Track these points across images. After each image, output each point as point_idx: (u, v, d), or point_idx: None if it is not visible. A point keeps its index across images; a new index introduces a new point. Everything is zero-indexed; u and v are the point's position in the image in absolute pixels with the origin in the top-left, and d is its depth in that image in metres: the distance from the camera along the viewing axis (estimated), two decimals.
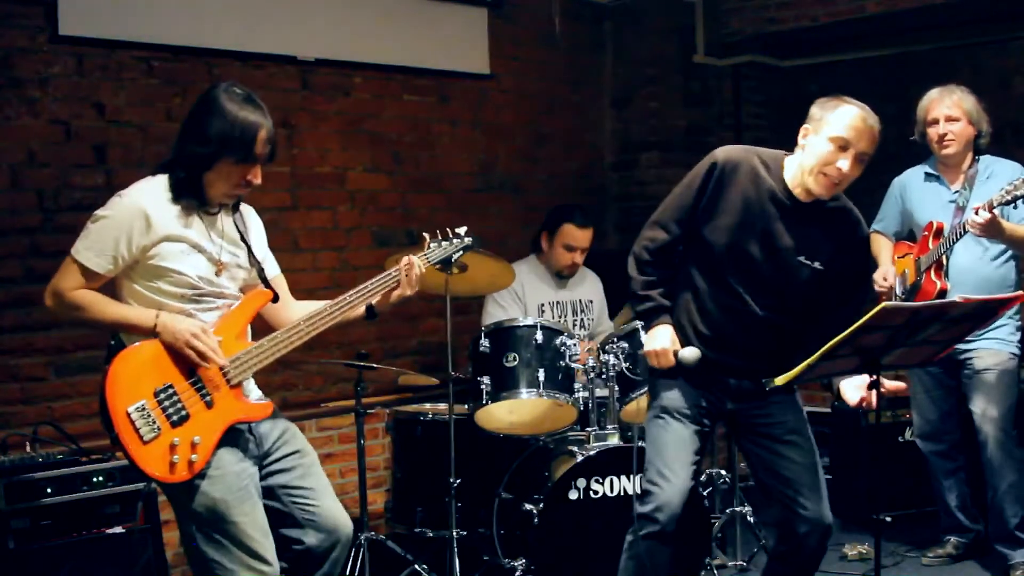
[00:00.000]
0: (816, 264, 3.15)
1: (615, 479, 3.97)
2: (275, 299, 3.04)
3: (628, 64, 6.20)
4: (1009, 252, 4.15)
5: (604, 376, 4.10)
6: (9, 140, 4.02)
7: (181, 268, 2.84)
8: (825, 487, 3.25)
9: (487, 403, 4.08)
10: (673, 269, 3.30)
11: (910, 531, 4.73)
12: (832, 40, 5.87)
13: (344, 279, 4.75)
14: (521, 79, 5.73)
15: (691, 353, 3.16)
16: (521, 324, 4.16)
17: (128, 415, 2.72)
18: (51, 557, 3.52)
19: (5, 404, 3.99)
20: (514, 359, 4.09)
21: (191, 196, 2.86)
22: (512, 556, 4.04)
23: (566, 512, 3.92)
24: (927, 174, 4.33)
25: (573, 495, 3.94)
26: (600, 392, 4.17)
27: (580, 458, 3.95)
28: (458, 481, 3.90)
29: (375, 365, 4.12)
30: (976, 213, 3.77)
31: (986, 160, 4.20)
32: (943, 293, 4.09)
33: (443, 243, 3.39)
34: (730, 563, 4.47)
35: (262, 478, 2.98)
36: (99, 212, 2.84)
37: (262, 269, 3.06)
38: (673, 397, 3.25)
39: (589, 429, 4.14)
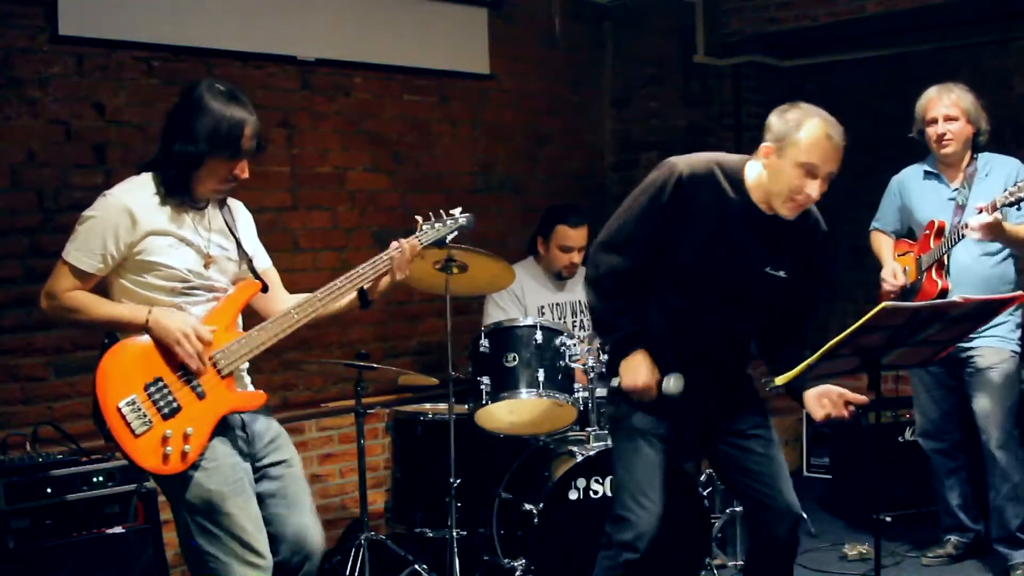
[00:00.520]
0: (781, 273, 3.12)
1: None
2: (264, 289, 3.07)
3: (628, 64, 6.20)
4: (1008, 250, 4.16)
5: (604, 376, 4.09)
6: (9, 140, 4.02)
7: (169, 262, 2.87)
8: (790, 478, 3.24)
9: (487, 403, 4.08)
10: (639, 290, 3.15)
11: (910, 531, 4.73)
12: (832, 40, 5.87)
13: None
14: (521, 79, 5.73)
15: (676, 383, 3.06)
16: (521, 324, 4.16)
17: (119, 410, 2.76)
18: (51, 557, 3.52)
19: (5, 404, 4.00)
20: (514, 359, 4.09)
21: (180, 193, 2.90)
22: (512, 556, 4.04)
23: (566, 512, 3.92)
24: (926, 172, 4.33)
25: (573, 495, 3.94)
26: (600, 392, 4.17)
27: (580, 458, 3.95)
28: (458, 481, 3.90)
29: (375, 365, 4.12)
30: (980, 212, 3.77)
31: (984, 157, 4.21)
32: (944, 292, 4.09)
33: (436, 224, 3.35)
34: (730, 563, 4.47)
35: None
36: (85, 213, 2.87)
37: (251, 261, 3.08)
38: (643, 421, 3.18)
39: (589, 429, 4.14)
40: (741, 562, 4.46)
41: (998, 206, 3.75)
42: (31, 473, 3.55)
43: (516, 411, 4.18)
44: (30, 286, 3.97)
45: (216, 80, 2.98)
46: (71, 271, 2.83)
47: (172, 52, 4.40)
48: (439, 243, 3.37)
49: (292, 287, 3.47)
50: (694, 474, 4.27)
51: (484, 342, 4.13)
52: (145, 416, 2.78)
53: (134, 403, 2.78)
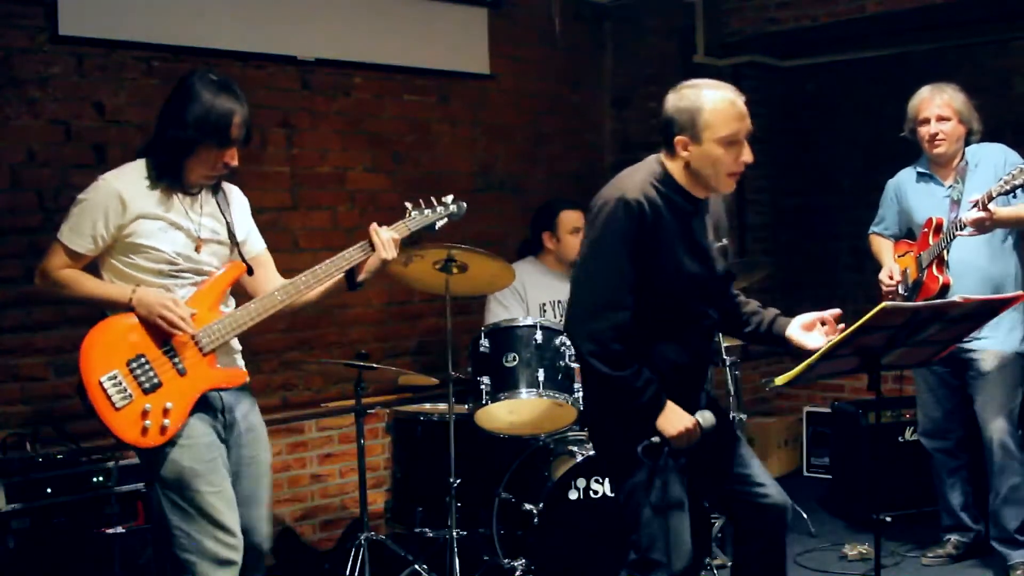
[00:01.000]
0: (724, 241, 3.09)
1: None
2: (250, 272, 3.16)
3: (628, 64, 6.20)
4: (1011, 243, 4.16)
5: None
6: (9, 140, 4.02)
7: (158, 245, 2.96)
8: None
9: (487, 403, 4.08)
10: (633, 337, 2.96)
11: (910, 531, 4.73)
12: (832, 40, 5.87)
13: None
14: (521, 79, 5.73)
15: (710, 418, 2.95)
16: (521, 324, 4.16)
17: (100, 384, 2.86)
18: (51, 557, 3.52)
19: (5, 404, 3.99)
20: (514, 359, 4.09)
21: (171, 178, 2.99)
22: (512, 556, 4.04)
23: (566, 512, 3.92)
24: (919, 173, 4.33)
25: (573, 495, 3.94)
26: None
27: (580, 458, 3.95)
28: (458, 481, 3.90)
29: (375, 365, 4.12)
30: (972, 208, 3.78)
31: (971, 150, 4.21)
32: (945, 288, 4.09)
33: (426, 211, 3.38)
34: (730, 563, 4.47)
35: None
36: (79, 196, 2.98)
37: (240, 245, 3.16)
38: (667, 475, 2.98)
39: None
40: None
41: (993, 196, 3.75)
42: (31, 473, 3.55)
43: (516, 411, 4.18)
44: (30, 286, 3.94)
45: (209, 70, 3.09)
46: (63, 250, 2.95)
47: (172, 52, 4.40)
48: (428, 229, 3.38)
49: None
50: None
51: (484, 342, 4.13)
52: (126, 390, 2.87)
53: (116, 378, 2.87)
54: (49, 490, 3.57)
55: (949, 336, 3.04)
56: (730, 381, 4.75)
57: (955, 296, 3.13)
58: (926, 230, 4.23)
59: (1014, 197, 3.83)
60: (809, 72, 6.07)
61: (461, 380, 4.16)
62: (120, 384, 2.87)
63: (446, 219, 3.41)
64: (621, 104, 6.24)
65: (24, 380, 4.05)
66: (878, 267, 4.44)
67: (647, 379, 2.90)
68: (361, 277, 3.24)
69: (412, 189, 5.20)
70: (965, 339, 3.65)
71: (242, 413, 3.14)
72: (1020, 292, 3.11)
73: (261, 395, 4.61)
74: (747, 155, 2.94)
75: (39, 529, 3.53)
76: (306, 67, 4.84)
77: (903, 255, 4.37)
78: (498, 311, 4.57)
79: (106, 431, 2.91)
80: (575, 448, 4.08)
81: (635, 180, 3.00)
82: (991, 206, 3.77)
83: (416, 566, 4.17)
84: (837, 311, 3.03)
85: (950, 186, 4.21)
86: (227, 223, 3.12)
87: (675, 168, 3.02)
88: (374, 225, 3.22)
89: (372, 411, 4.58)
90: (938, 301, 3.30)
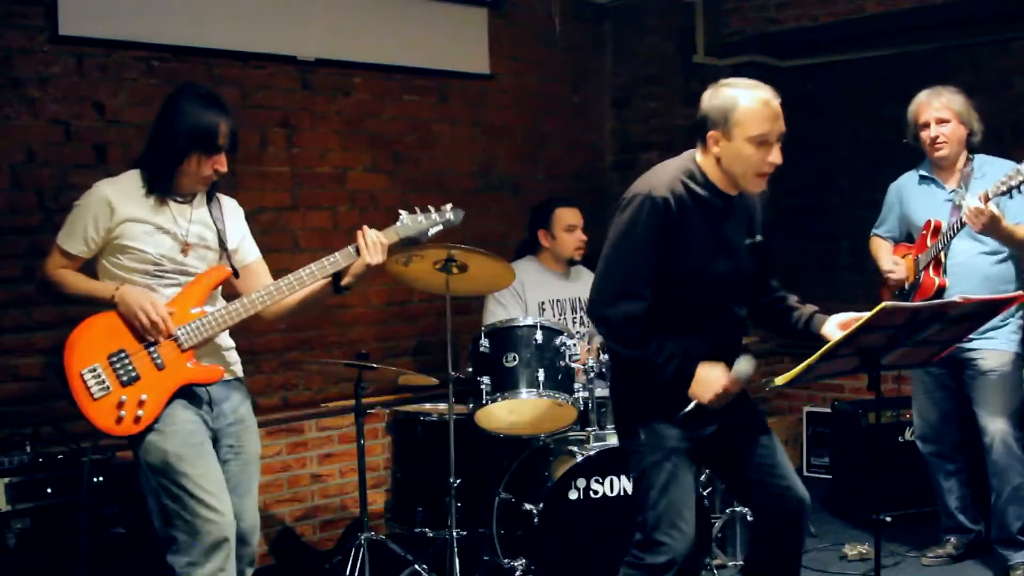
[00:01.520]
0: (758, 238, 3.11)
1: (615, 479, 3.97)
2: (235, 275, 3.30)
3: (628, 64, 6.20)
4: (1008, 248, 4.16)
5: (604, 376, 4.10)
6: (9, 140, 4.02)
7: (143, 247, 3.13)
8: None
9: (487, 403, 4.08)
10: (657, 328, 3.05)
11: (910, 531, 4.73)
12: (832, 40, 5.87)
13: None
14: (521, 79, 5.73)
15: (747, 364, 2.96)
16: (521, 324, 4.17)
17: (81, 376, 3.05)
18: (51, 557, 3.52)
19: (5, 404, 4.00)
20: (514, 359, 4.09)
21: (162, 187, 3.17)
22: (512, 556, 4.04)
23: (566, 512, 3.92)
24: (921, 177, 4.33)
25: (573, 495, 3.94)
26: (600, 392, 4.17)
27: (580, 458, 3.95)
28: (458, 481, 3.90)
29: (375, 365, 4.12)
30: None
31: (980, 159, 4.21)
32: (942, 290, 4.09)
33: (420, 217, 3.42)
34: (730, 563, 4.47)
35: None
36: (75, 202, 3.18)
37: (230, 252, 3.30)
38: (674, 437, 3.07)
39: (589, 429, 4.15)
40: (741, 562, 4.46)
41: (991, 196, 3.76)
42: (31, 473, 3.56)
43: (516, 411, 4.18)
44: (30, 286, 3.96)
45: (196, 85, 3.32)
46: (59, 252, 3.16)
47: (172, 52, 4.40)
48: (421, 235, 3.41)
49: None
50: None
51: (484, 342, 4.14)
52: (104, 382, 3.06)
53: (95, 370, 3.06)
54: (49, 490, 3.57)
55: (949, 336, 3.04)
56: None
57: (955, 296, 3.13)
58: (924, 232, 4.23)
59: (1010, 198, 3.83)
60: (809, 72, 6.07)
61: (461, 380, 4.16)
62: (99, 376, 3.06)
63: (441, 226, 3.44)
64: (621, 104, 6.24)
65: (24, 380, 4.05)
66: (877, 268, 4.44)
67: (669, 354, 2.98)
68: (346, 281, 3.33)
69: (412, 189, 5.22)
70: (965, 338, 3.65)
71: (231, 406, 3.29)
72: (1020, 292, 3.10)
73: (261, 395, 4.64)
74: (776, 156, 2.98)
75: (39, 529, 3.53)
76: (306, 67, 4.84)
77: (902, 257, 4.37)
78: (497, 311, 4.57)
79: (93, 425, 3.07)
80: (575, 448, 4.08)
81: (665, 176, 3.05)
82: (990, 205, 3.77)
83: (416, 566, 4.17)
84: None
85: (952, 190, 4.21)
86: (217, 230, 3.27)
87: (707, 164, 3.06)
88: (364, 228, 3.29)
89: (372, 411, 4.58)
90: (938, 301, 3.31)
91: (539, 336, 4.10)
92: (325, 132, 4.94)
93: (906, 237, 4.42)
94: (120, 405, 3.06)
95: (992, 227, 3.84)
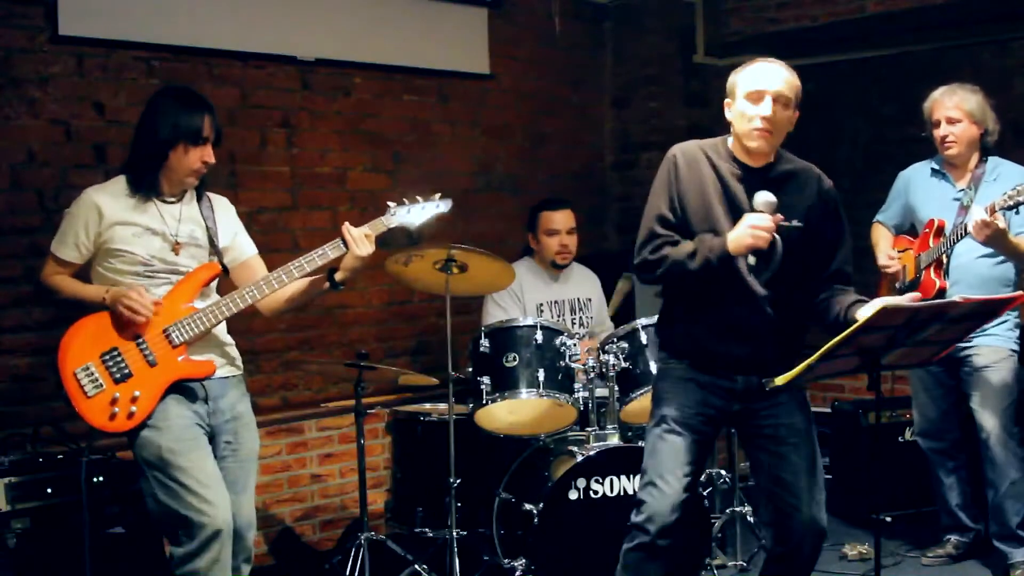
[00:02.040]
0: (795, 222, 3.14)
1: (615, 479, 3.97)
2: (225, 273, 3.34)
3: (628, 64, 6.20)
4: None
5: (604, 376, 4.10)
6: (9, 140, 4.02)
7: (132, 248, 3.18)
8: (823, 492, 3.21)
9: (487, 403, 4.08)
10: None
11: (910, 531, 4.73)
12: (832, 40, 5.86)
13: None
14: (521, 79, 5.73)
15: (763, 198, 3.03)
16: (521, 324, 4.16)
17: (75, 375, 3.10)
18: (51, 557, 3.52)
19: (5, 404, 4.00)
20: (514, 359, 4.09)
21: (147, 187, 3.22)
22: (512, 556, 4.04)
23: (566, 512, 3.92)
24: (933, 170, 4.33)
25: (573, 495, 3.94)
26: (600, 392, 4.17)
27: (580, 458, 3.95)
28: (458, 481, 3.90)
29: (375, 365, 4.12)
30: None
31: (994, 161, 4.20)
32: (942, 292, 4.09)
33: (408, 207, 3.46)
34: (730, 563, 4.47)
35: None
36: (67, 210, 3.25)
37: (220, 250, 3.34)
38: (675, 404, 3.21)
39: (589, 429, 4.14)
40: (741, 562, 4.47)
41: (996, 209, 3.75)
42: (31, 473, 3.56)
43: (516, 411, 4.18)
44: (30, 286, 3.97)
45: (174, 85, 3.41)
46: (53, 259, 3.23)
47: (172, 52, 4.40)
48: (408, 225, 3.45)
49: None
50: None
51: (484, 342, 4.13)
52: (98, 380, 3.11)
53: (88, 369, 3.11)
54: (49, 490, 3.57)
55: (949, 336, 3.03)
56: None
57: (955, 296, 3.13)
58: (927, 231, 4.22)
59: (1016, 213, 3.82)
60: (809, 72, 6.03)
61: (461, 380, 4.16)
62: (93, 375, 3.11)
63: (429, 215, 3.47)
64: (621, 104, 6.24)
65: (24, 380, 4.05)
66: (877, 265, 4.44)
67: (681, 248, 3.11)
68: (339, 276, 3.38)
69: (412, 189, 5.18)
70: (964, 339, 3.65)
71: (229, 403, 3.33)
72: (1019, 292, 3.10)
73: (261, 395, 4.64)
74: (764, 110, 3.10)
75: (39, 529, 3.53)
76: (306, 67, 4.84)
77: (903, 251, 4.37)
78: (495, 312, 4.57)
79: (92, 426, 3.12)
80: (575, 448, 4.08)
81: (693, 141, 3.26)
82: (996, 218, 3.77)
83: (416, 566, 4.17)
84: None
85: (962, 190, 4.20)
86: (208, 228, 3.31)
87: (733, 138, 3.24)
88: (346, 224, 3.35)
89: (372, 411, 4.57)
90: (938, 301, 3.30)
91: (539, 336, 4.10)
92: (325, 132, 4.94)
93: (908, 228, 4.43)
94: (113, 402, 3.10)
95: (996, 239, 3.83)
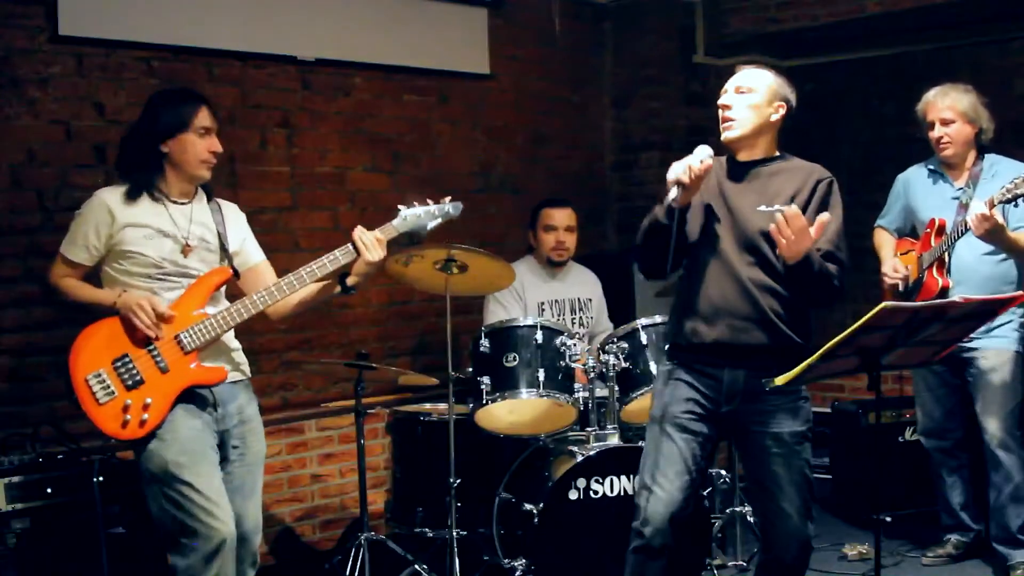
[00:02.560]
0: (776, 207, 3.13)
1: (615, 479, 3.97)
2: (236, 276, 3.33)
3: (628, 64, 6.19)
4: None
5: (604, 376, 4.10)
6: (9, 140, 4.02)
7: (144, 251, 3.16)
8: (807, 504, 3.18)
9: (487, 403, 4.08)
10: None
11: (910, 531, 4.73)
12: (832, 40, 5.86)
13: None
14: (521, 79, 5.73)
15: (703, 147, 3.13)
16: (521, 324, 4.17)
17: (86, 381, 3.08)
18: (51, 557, 3.52)
19: (5, 404, 3.99)
20: (514, 359, 4.09)
21: (150, 189, 3.20)
22: (512, 556, 4.04)
23: (566, 512, 3.92)
24: (930, 171, 4.33)
25: (573, 495, 3.94)
26: (600, 392, 4.17)
27: (580, 458, 3.95)
28: (458, 481, 3.90)
29: (375, 365, 4.12)
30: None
31: (991, 159, 4.21)
32: (945, 290, 4.09)
33: (419, 211, 3.41)
34: (730, 563, 4.48)
35: None
36: (77, 211, 3.22)
37: (230, 255, 3.32)
38: (665, 405, 3.22)
39: (589, 429, 4.14)
40: (741, 562, 4.47)
41: (995, 203, 3.76)
42: (31, 473, 3.56)
43: (516, 411, 4.18)
44: (30, 286, 3.98)
45: (165, 87, 3.44)
46: (63, 260, 3.20)
47: (172, 52, 4.40)
48: (420, 229, 3.41)
49: None
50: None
51: (484, 342, 4.14)
52: (109, 387, 3.09)
53: (100, 376, 3.09)
54: (49, 490, 3.57)
55: (949, 336, 3.04)
56: None
57: (955, 296, 3.13)
58: (928, 231, 4.23)
59: (1015, 206, 3.83)
60: (809, 72, 6.06)
61: (461, 380, 4.16)
62: (104, 381, 3.08)
63: (440, 219, 3.44)
64: (621, 104, 6.24)
65: (24, 380, 4.05)
66: (878, 266, 4.44)
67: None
68: (351, 281, 3.36)
69: (412, 189, 5.19)
70: (965, 338, 3.65)
71: (237, 407, 3.32)
72: (1020, 292, 3.10)
73: (261, 395, 4.61)
74: (723, 99, 3.27)
75: (39, 529, 3.53)
76: (306, 67, 4.84)
77: (905, 253, 4.37)
78: (497, 311, 4.57)
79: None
80: (575, 448, 4.07)
81: None
82: (995, 212, 3.77)
83: (416, 566, 4.17)
84: (791, 210, 3.06)
85: (960, 188, 4.21)
86: (218, 233, 3.30)
87: None
88: (358, 228, 3.31)
89: (372, 411, 4.58)
90: (938, 301, 3.30)
91: (539, 336, 4.10)
92: (325, 132, 4.94)
93: (910, 230, 4.43)
94: (125, 409, 3.08)
95: (995, 234, 3.84)
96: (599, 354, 4.15)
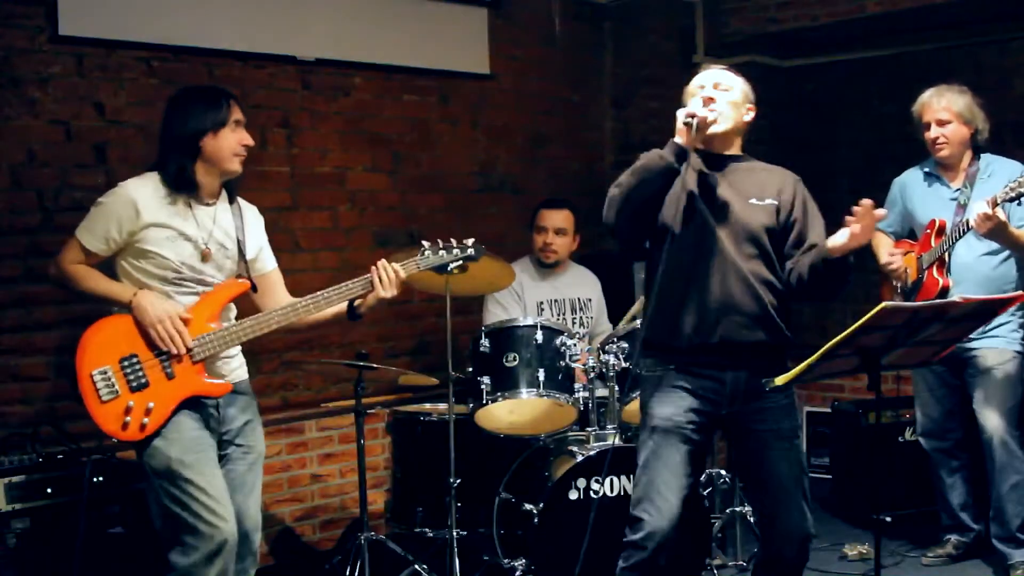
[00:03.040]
0: (768, 201, 3.18)
1: (615, 479, 3.97)
2: (254, 289, 3.30)
3: (628, 64, 6.20)
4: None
5: (604, 376, 4.10)
6: (9, 140, 4.02)
7: (165, 253, 3.13)
8: (806, 498, 3.20)
9: (487, 403, 4.08)
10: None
11: (910, 531, 4.73)
12: (832, 40, 5.87)
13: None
14: (521, 79, 5.73)
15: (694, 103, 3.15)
16: (521, 324, 4.17)
17: (91, 376, 3.06)
18: (51, 557, 3.52)
19: (5, 404, 3.99)
20: (514, 359, 4.09)
21: (186, 188, 3.16)
22: (512, 556, 4.04)
23: (566, 512, 3.92)
24: (926, 173, 4.34)
25: (573, 495, 3.94)
26: (600, 392, 4.17)
27: (580, 458, 3.95)
28: (458, 481, 3.90)
29: (375, 365, 4.12)
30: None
31: (987, 159, 4.21)
32: (945, 290, 4.09)
33: (441, 251, 3.44)
34: (730, 563, 4.47)
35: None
36: (100, 199, 3.15)
37: (247, 264, 3.31)
38: (664, 414, 3.18)
39: (589, 429, 4.15)
40: (741, 562, 4.47)
41: (999, 202, 3.76)
42: (31, 473, 3.56)
43: (516, 411, 4.18)
44: (30, 286, 3.98)
45: (190, 85, 3.36)
46: (78, 246, 3.12)
47: (172, 52, 4.40)
48: (440, 269, 3.45)
49: (292, 287, 3.50)
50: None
51: (484, 342, 4.14)
52: (114, 386, 3.07)
53: (106, 373, 3.07)
54: (49, 490, 3.57)
55: (949, 336, 3.03)
56: None
57: (955, 296, 3.13)
58: (928, 231, 4.23)
59: (1019, 204, 3.83)
60: (809, 72, 6.06)
61: (461, 380, 4.16)
62: (109, 379, 3.07)
63: (461, 261, 3.47)
64: (621, 104, 6.24)
65: (24, 380, 4.05)
66: (877, 266, 4.44)
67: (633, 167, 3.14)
68: (361, 310, 3.38)
69: (412, 189, 5.23)
70: (965, 338, 3.65)
71: (239, 408, 3.32)
72: (1020, 292, 3.10)
73: (261, 395, 4.62)
74: (707, 93, 3.25)
75: (39, 529, 3.53)
76: (306, 67, 4.84)
77: (905, 254, 4.37)
78: (496, 311, 4.57)
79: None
80: (575, 448, 4.08)
81: None
82: (998, 211, 3.77)
83: (416, 566, 4.18)
84: (868, 201, 3.01)
85: (957, 189, 4.21)
86: (238, 240, 3.28)
87: None
88: (382, 261, 3.31)
89: (372, 411, 4.58)
90: (938, 301, 3.30)
91: (539, 336, 4.10)
92: (325, 132, 4.94)
93: (908, 234, 4.43)
94: (127, 411, 3.06)
95: (998, 232, 3.84)
96: (599, 354, 4.15)
